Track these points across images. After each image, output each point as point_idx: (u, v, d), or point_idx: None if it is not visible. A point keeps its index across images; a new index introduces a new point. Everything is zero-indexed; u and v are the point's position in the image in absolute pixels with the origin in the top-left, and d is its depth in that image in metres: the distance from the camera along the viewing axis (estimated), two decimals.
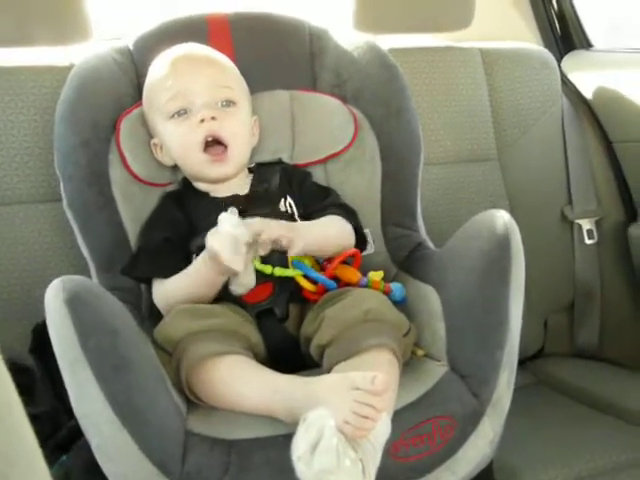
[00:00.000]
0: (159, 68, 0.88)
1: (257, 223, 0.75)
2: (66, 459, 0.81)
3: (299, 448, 0.58)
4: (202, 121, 0.83)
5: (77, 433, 0.73)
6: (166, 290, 0.81)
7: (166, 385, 0.68)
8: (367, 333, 0.71)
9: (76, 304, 0.62)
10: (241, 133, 0.87)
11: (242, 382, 0.68)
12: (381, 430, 0.61)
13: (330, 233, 0.84)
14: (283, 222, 0.78)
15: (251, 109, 0.92)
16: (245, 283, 0.78)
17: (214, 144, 0.84)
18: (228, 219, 0.75)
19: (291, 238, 0.75)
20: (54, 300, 0.62)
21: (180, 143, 0.85)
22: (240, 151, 0.87)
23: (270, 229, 0.75)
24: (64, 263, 0.97)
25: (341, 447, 0.57)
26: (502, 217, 0.75)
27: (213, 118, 0.83)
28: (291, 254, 0.76)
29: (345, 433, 0.59)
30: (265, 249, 0.76)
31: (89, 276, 0.88)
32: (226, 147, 0.85)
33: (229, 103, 0.86)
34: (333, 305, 0.75)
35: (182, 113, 0.85)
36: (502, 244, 0.73)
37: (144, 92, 0.90)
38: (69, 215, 0.89)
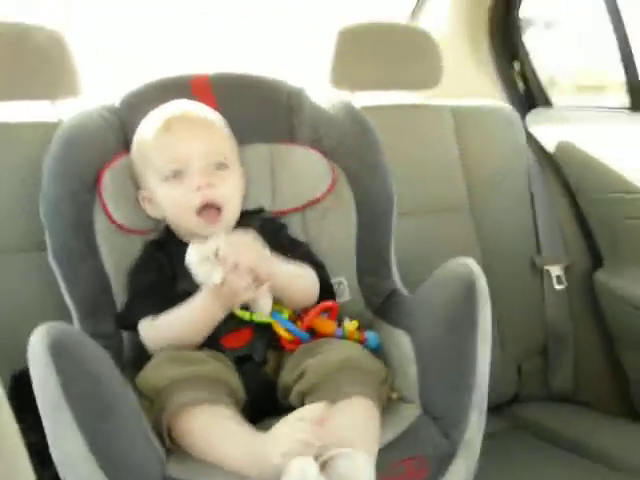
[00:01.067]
0: (154, 126, 0.90)
1: (232, 251, 0.77)
2: None
3: None
4: (198, 188, 0.86)
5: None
6: (161, 327, 0.82)
7: (146, 431, 0.70)
8: (347, 381, 0.73)
9: (59, 350, 0.64)
10: (235, 195, 0.91)
11: (212, 435, 0.69)
12: (367, 475, 0.62)
13: (297, 274, 0.86)
14: (241, 239, 0.80)
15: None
16: (264, 307, 0.81)
17: (208, 207, 0.87)
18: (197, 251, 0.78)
19: (257, 258, 0.78)
20: (38, 346, 0.64)
21: (174, 206, 0.88)
22: (232, 212, 0.90)
23: (246, 257, 0.77)
24: (47, 310, 0.98)
25: None
26: (468, 264, 0.79)
27: (209, 185, 0.86)
28: (260, 271, 0.78)
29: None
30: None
31: (72, 323, 0.90)
32: (220, 210, 0.88)
33: (223, 166, 0.89)
34: (313, 356, 0.77)
35: (177, 175, 0.87)
36: (468, 291, 0.77)
37: (136, 146, 0.93)
38: (53, 265, 0.91)
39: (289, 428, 0.64)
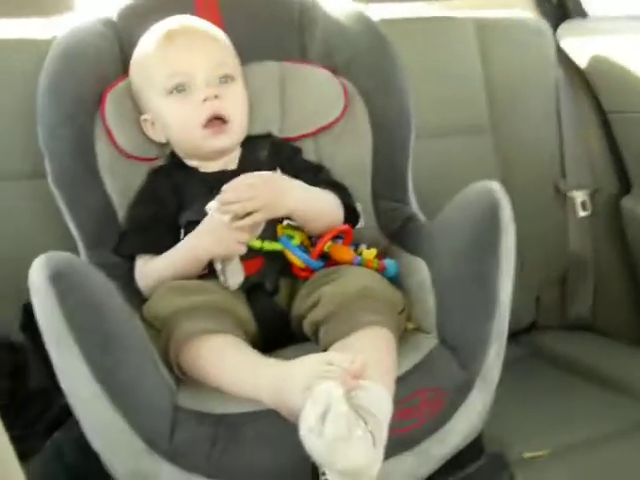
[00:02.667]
0: (154, 41, 0.85)
1: (227, 198, 0.73)
2: (58, 435, 0.81)
3: (308, 420, 0.57)
4: (204, 100, 0.82)
5: (69, 410, 0.74)
6: (150, 269, 0.81)
7: (154, 361, 0.68)
8: (364, 310, 0.71)
9: (60, 281, 0.62)
10: (241, 108, 0.87)
11: (225, 364, 0.67)
12: (386, 407, 0.61)
13: (320, 202, 0.83)
14: (256, 179, 0.76)
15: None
16: (237, 273, 0.77)
17: (215, 120, 0.83)
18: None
19: (267, 204, 0.74)
20: (38, 277, 0.62)
21: (180, 121, 0.84)
22: (240, 125, 0.86)
23: (241, 207, 0.73)
24: (52, 240, 0.96)
25: (352, 416, 0.57)
26: (493, 189, 0.74)
27: (216, 97, 0.82)
28: (269, 216, 0.75)
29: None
30: (255, 229, 0.75)
31: (77, 253, 0.88)
32: (226, 122, 0.84)
33: (228, 79, 0.85)
34: (328, 283, 0.74)
35: (181, 89, 0.83)
36: (492, 216, 0.72)
37: (134, 66, 0.88)
38: (55, 192, 0.88)
39: (315, 366, 0.61)
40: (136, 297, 0.82)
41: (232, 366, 0.67)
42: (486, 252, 0.72)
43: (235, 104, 0.85)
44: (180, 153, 0.88)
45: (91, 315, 0.62)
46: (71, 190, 0.87)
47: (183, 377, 0.71)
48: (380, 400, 0.60)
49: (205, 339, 0.69)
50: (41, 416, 0.88)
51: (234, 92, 0.85)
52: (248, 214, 0.75)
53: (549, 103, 1.23)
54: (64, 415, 0.83)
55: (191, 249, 0.78)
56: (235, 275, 0.77)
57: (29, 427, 0.88)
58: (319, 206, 0.82)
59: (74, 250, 0.88)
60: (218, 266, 0.77)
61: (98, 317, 0.63)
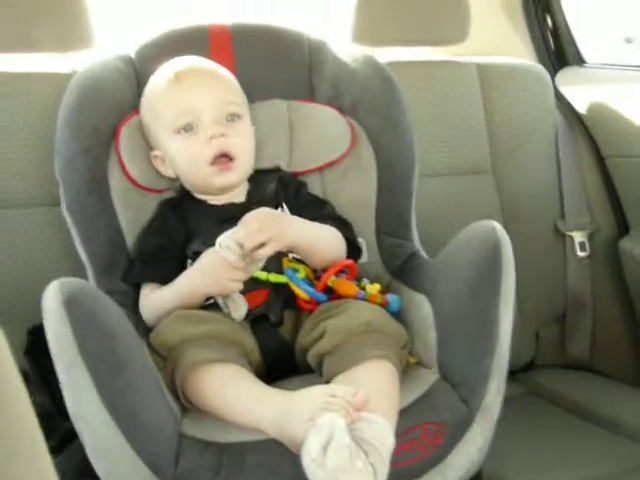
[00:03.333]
0: (163, 81, 0.88)
1: (239, 233, 0.75)
2: (59, 460, 0.82)
3: (311, 450, 0.58)
4: (211, 138, 0.84)
5: (71, 435, 0.74)
6: (153, 299, 0.83)
7: (160, 388, 0.69)
8: (368, 344, 0.72)
9: (74, 306, 0.63)
10: (247, 145, 0.89)
11: (229, 394, 0.68)
12: (389, 439, 0.62)
13: (322, 236, 0.85)
14: (265, 214, 0.78)
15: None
16: (241, 305, 0.79)
17: (221, 157, 0.86)
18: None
19: (275, 235, 0.76)
20: (52, 301, 0.63)
21: (187, 158, 0.86)
22: (246, 162, 0.89)
23: (251, 239, 0.75)
24: (62, 266, 0.98)
25: (353, 448, 0.58)
26: (494, 228, 0.76)
27: (222, 135, 0.85)
28: (277, 247, 0.77)
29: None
30: (258, 265, 0.77)
31: (87, 279, 0.89)
32: (233, 159, 0.86)
33: (234, 117, 0.88)
34: (333, 317, 0.76)
35: (188, 129, 0.86)
36: (493, 254, 0.74)
37: (145, 103, 0.91)
38: (68, 219, 0.90)
39: (319, 398, 0.63)
40: (142, 325, 0.83)
41: (236, 396, 0.68)
42: (488, 290, 0.74)
43: (241, 141, 0.88)
44: (189, 188, 0.91)
45: (103, 341, 0.64)
46: (84, 218, 0.89)
47: (188, 405, 0.72)
48: (382, 433, 0.61)
49: (210, 368, 0.70)
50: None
51: (240, 130, 0.88)
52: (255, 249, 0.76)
53: (549, 146, 1.26)
54: (66, 440, 0.84)
55: (190, 285, 0.80)
56: (238, 309, 0.79)
57: None
58: (321, 240, 0.84)
59: (83, 276, 0.90)
60: (220, 300, 0.79)
61: (110, 343, 0.64)
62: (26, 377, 0.96)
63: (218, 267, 0.76)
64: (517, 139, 1.24)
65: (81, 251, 0.90)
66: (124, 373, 0.64)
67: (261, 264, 0.79)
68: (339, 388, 0.64)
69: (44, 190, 0.99)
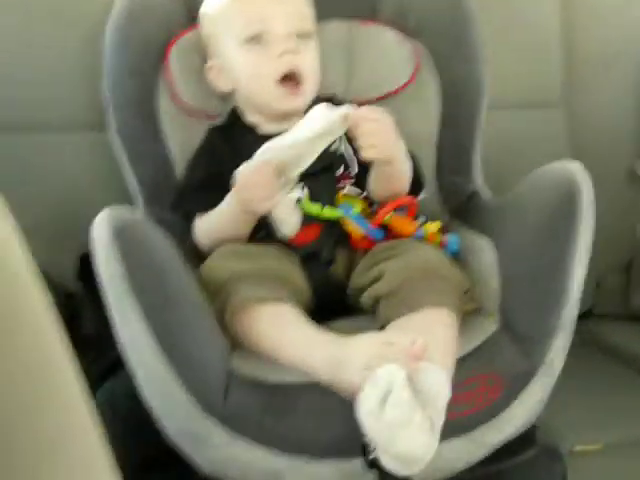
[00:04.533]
0: None
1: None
2: (110, 385, 0.83)
3: (368, 402, 0.56)
4: (282, 54, 0.79)
5: (122, 361, 0.74)
6: (205, 227, 0.80)
7: (211, 324, 0.68)
8: (428, 290, 0.68)
9: (123, 237, 0.61)
10: (315, 69, 0.83)
11: (282, 334, 0.66)
12: (445, 391, 0.59)
13: (405, 166, 0.80)
14: (384, 116, 0.74)
15: None
16: (286, 222, 0.75)
17: (289, 78, 0.80)
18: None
19: (388, 143, 0.73)
20: (101, 231, 0.61)
21: (253, 72, 0.81)
22: (312, 87, 0.83)
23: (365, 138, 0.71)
24: (110, 191, 0.96)
25: (412, 402, 0.55)
26: (574, 171, 0.70)
27: (294, 52, 0.79)
28: (380, 155, 0.73)
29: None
30: (291, 182, 0.73)
31: (135, 207, 0.88)
32: (301, 82, 0.81)
33: (306, 35, 0.82)
34: (392, 258, 0.72)
35: (258, 39, 0.80)
36: (571, 201, 0.68)
37: (209, 11, 0.85)
38: (117, 143, 0.88)
39: (376, 346, 0.60)
40: (192, 257, 0.81)
41: (288, 338, 0.66)
42: (562, 239, 0.68)
43: (312, 63, 0.82)
44: (244, 107, 0.86)
45: (153, 274, 0.62)
46: (133, 141, 0.87)
47: (237, 342, 0.70)
48: (439, 384, 0.58)
49: (259, 307, 0.68)
50: (93, 364, 0.90)
51: (311, 50, 0.82)
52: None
53: (634, 75, 1.14)
54: (117, 365, 0.85)
55: (229, 206, 0.77)
56: (284, 224, 0.75)
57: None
58: (405, 164, 0.79)
59: (132, 203, 0.88)
60: (270, 217, 0.76)
61: (159, 276, 0.62)
62: (78, 300, 0.97)
63: (250, 183, 0.72)
64: (599, 62, 1.12)
65: (130, 177, 0.88)
66: (174, 307, 0.63)
67: (290, 187, 0.74)
68: (397, 336, 0.61)
69: (92, 113, 0.96)
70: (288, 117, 0.83)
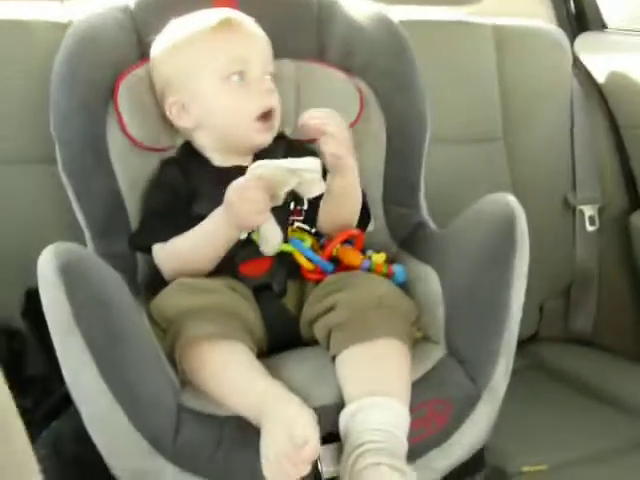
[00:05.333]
0: (208, 24, 0.83)
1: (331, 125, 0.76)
2: (56, 425, 0.80)
3: None
4: (263, 92, 0.82)
5: (68, 400, 0.73)
6: (174, 253, 0.79)
7: (160, 359, 0.67)
8: (380, 320, 0.70)
9: (69, 273, 0.60)
10: (279, 107, 0.87)
11: (223, 376, 0.67)
12: (402, 425, 0.62)
13: (355, 195, 0.83)
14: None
15: None
16: (271, 239, 0.77)
17: (265, 115, 0.83)
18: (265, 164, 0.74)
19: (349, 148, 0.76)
20: (47, 267, 0.61)
21: (235, 108, 0.82)
22: (278, 123, 0.86)
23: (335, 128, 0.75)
24: (59, 226, 0.95)
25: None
26: (510, 201, 0.74)
27: (271, 90, 0.83)
28: (348, 162, 0.76)
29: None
30: (278, 199, 0.75)
31: (84, 242, 0.86)
32: (272, 118, 0.84)
33: (273, 75, 0.86)
34: (344, 289, 0.74)
35: (241, 78, 0.82)
36: (508, 230, 0.72)
37: (179, 46, 0.84)
38: (64, 179, 0.87)
39: (286, 434, 0.61)
40: (141, 292, 0.81)
41: (228, 380, 0.66)
42: (501, 267, 0.72)
43: (278, 102, 0.85)
44: (204, 140, 0.86)
45: (99, 310, 0.61)
46: (80, 178, 0.86)
47: (186, 378, 0.70)
48: (395, 418, 0.60)
49: (207, 345, 0.68)
50: (39, 404, 0.87)
51: (276, 90, 0.86)
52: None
53: (563, 114, 1.22)
54: (63, 404, 0.83)
55: (214, 222, 0.77)
56: (266, 241, 0.77)
57: (25, 415, 0.87)
58: (357, 189, 0.83)
59: (81, 238, 0.87)
60: (251, 234, 0.78)
61: (106, 312, 0.62)
62: (24, 339, 0.94)
63: (244, 197, 0.73)
64: (531, 105, 1.20)
65: (78, 213, 0.87)
66: (121, 343, 0.62)
67: (280, 200, 0.76)
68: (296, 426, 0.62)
69: (41, 147, 0.95)
70: (245, 152, 0.85)
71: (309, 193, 0.76)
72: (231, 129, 0.84)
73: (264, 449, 0.61)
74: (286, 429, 0.60)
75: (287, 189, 0.75)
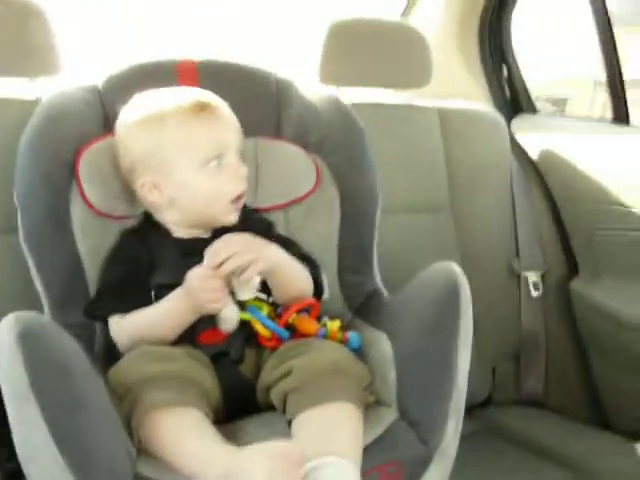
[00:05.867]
0: (181, 107, 0.84)
1: (218, 253, 0.77)
2: None
3: None
4: (240, 177, 0.86)
5: (18, 475, 0.71)
6: (132, 326, 0.81)
7: (117, 427, 0.67)
8: (333, 385, 0.72)
9: (28, 341, 0.61)
10: None
11: (182, 445, 0.67)
12: None
13: (296, 266, 0.86)
14: (244, 237, 0.80)
15: None
16: (229, 318, 0.80)
17: (238, 197, 0.87)
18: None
19: (254, 259, 0.78)
20: (5, 335, 0.61)
21: (212, 193, 0.85)
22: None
23: (233, 260, 0.77)
24: (19, 296, 0.95)
25: None
26: (453, 271, 0.79)
27: (245, 174, 0.87)
28: (258, 270, 0.78)
29: None
30: (251, 291, 0.80)
31: (43, 311, 0.87)
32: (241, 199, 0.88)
33: (242, 156, 0.90)
34: (299, 356, 0.76)
35: (218, 162, 0.85)
36: (452, 297, 0.76)
37: (149, 127, 0.85)
38: (25, 249, 0.88)
39: (269, 463, 0.62)
40: (99, 361, 0.81)
41: (187, 449, 0.67)
42: (446, 332, 0.76)
43: None
44: (173, 218, 0.88)
45: (57, 378, 0.62)
46: (41, 248, 0.87)
47: (143, 446, 0.70)
48: (351, 478, 0.61)
49: (164, 414, 0.68)
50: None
51: None
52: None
53: (504, 188, 1.31)
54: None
55: (174, 304, 0.79)
56: (224, 322, 0.80)
57: None
58: (294, 268, 0.85)
59: (41, 308, 0.87)
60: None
61: (64, 380, 0.62)
62: None
63: (205, 288, 0.76)
64: (474, 181, 1.29)
65: (37, 282, 0.88)
66: (78, 411, 0.62)
67: (254, 291, 0.81)
68: (286, 446, 0.64)
69: (5, 217, 0.96)
70: (208, 228, 0.89)
71: (242, 296, 0.81)
72: (205, 210, 0.87)
73: None
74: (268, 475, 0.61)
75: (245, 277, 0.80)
